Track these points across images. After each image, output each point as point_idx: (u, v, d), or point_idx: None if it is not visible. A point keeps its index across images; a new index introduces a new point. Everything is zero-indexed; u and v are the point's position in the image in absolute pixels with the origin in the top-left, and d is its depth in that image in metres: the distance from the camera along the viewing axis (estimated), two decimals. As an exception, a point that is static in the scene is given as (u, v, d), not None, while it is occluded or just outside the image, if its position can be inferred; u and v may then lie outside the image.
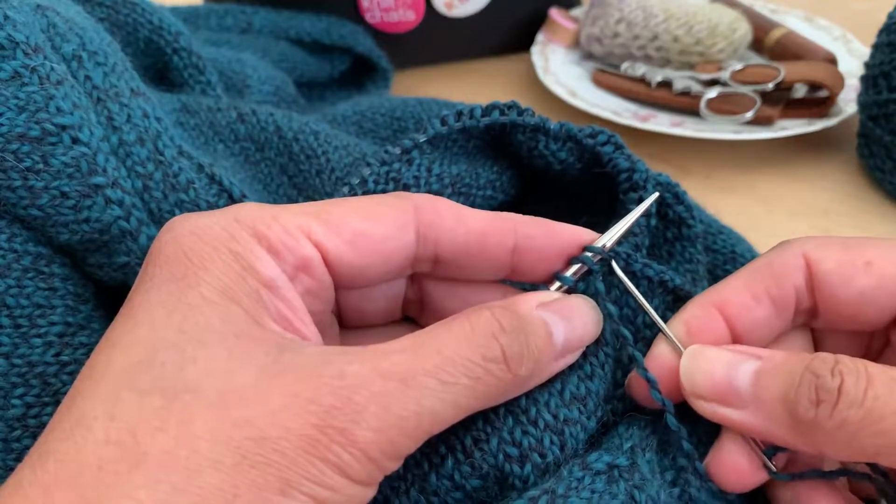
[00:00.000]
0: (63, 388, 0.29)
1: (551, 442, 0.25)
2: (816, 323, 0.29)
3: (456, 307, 0.27)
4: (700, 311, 0.28)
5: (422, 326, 0.25)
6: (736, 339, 0.28)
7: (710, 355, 0.26)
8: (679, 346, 0.27)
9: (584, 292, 0.28)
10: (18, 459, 0.28)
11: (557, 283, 0.28)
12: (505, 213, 0.28)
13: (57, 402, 0.29)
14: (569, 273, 0.28)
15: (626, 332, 0.27)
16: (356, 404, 0.21)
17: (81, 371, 0.22)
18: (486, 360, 0.23)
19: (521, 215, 0.28)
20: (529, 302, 0.26)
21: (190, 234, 0.24)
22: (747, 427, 0.25)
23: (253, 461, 0.20)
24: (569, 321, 0.26)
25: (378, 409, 0.21)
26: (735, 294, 0.27)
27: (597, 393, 0.27)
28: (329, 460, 0.21)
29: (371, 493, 0.22)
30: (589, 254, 0.28)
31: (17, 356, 0.29)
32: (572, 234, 0.28)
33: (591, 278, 0.28)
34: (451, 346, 0.23)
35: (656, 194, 0.30)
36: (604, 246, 0.28)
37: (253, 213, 0.25)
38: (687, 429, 0.27)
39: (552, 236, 0.28)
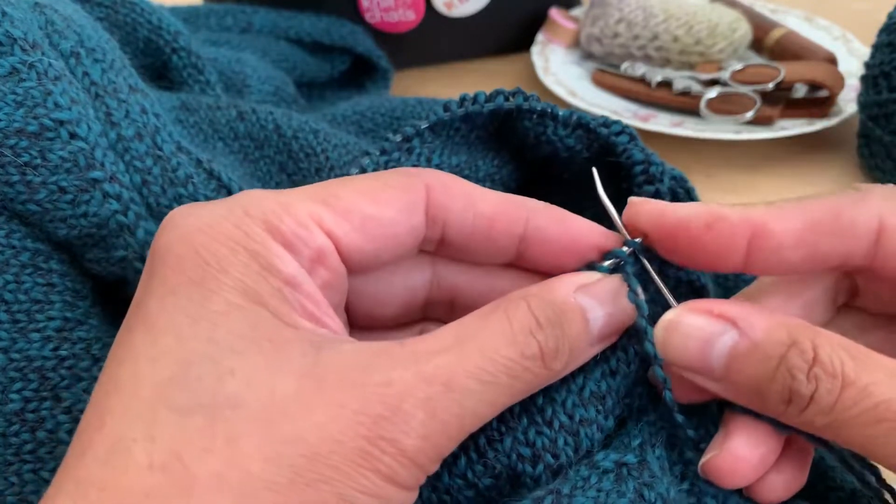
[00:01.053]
0: (61, 383, 0.29)
1: (565, 443, 0.25)
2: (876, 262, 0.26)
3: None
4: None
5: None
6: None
7: (685, 329, 0.24)
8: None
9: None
10: (17, 454, 0.28)
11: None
12: (518, 198, 0.26)
13: (55, 397, 0.29)
14: (605, 265, 0.26)
15: (643, 304, 0.26)
16: (405, 413, 0.21)
17: (101, 384, 0.21)
18: (524, 357, 0.23)
19: (536, 201, 0.26)
20: (568, 286, 0.24)
21: (199, 233, 0.22)
22: (718, 395, 0.25)
23: (307, 479, 0.20)
24: (608, 306, 0.25)
25: (425, 416, 0.21)
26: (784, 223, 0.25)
27: (617, 391, 0.26)
28: (380, 471, 0.20)
29: (414, 496, 0.22)
30: (625, 248, 0.27)
31: (15, 351, 0.29)
32: (587, 232, 0.27)
33: (623, 268, 0.27)
34: (490, 344, 0.22)
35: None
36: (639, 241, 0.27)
37: (262, 203, 0.23)
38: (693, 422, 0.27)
39: (564, 230, 0.26)
